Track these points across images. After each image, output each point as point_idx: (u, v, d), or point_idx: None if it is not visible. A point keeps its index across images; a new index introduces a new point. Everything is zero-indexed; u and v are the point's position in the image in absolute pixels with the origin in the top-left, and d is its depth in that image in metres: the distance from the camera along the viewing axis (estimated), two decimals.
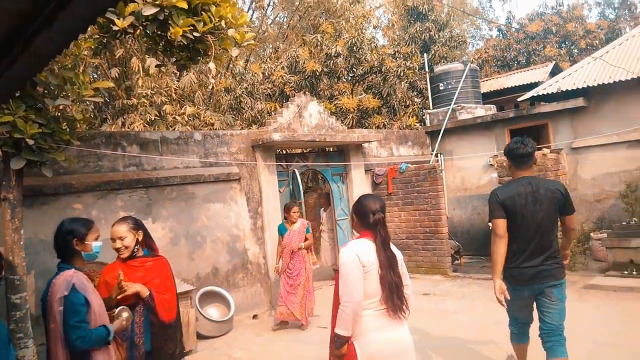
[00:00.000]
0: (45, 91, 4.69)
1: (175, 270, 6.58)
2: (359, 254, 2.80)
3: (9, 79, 1.85)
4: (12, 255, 4.67)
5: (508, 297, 3.71)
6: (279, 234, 6.89)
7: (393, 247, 2.97)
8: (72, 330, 2.59)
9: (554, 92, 9.66)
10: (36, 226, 5.57)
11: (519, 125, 10.17)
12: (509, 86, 14.23)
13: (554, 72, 13.87)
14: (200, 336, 6.31)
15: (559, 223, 3.81)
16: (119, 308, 2.98)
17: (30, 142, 4.42)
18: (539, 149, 9.21)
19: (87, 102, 8.16)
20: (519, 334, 4.09)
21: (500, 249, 3.70)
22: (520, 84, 13.82)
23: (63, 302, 2.62)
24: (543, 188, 3.68)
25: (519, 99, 11.05)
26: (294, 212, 6.65)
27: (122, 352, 3.02)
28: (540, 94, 9.98)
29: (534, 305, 3.89)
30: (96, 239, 2.90)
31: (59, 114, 4.96)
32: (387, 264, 2.82)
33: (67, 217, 3.01)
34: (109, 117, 11.29)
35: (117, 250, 3.23)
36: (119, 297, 3.07)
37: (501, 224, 3.69)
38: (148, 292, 3.15)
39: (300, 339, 6.21)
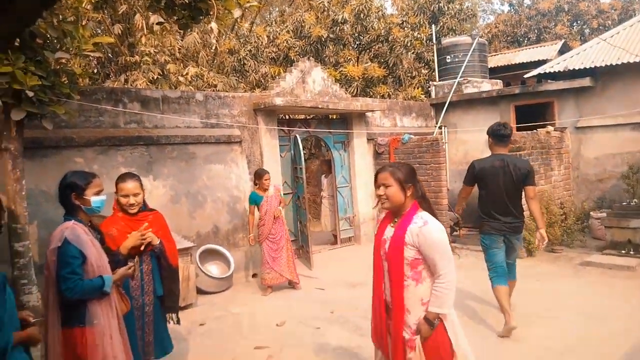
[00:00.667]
0: (45, 43, 4.64)
1: (176, 228, 6.67)
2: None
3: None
4: (14, 205, 4.72)
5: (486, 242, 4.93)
6: (251, 203, 6.60)
7: None
8: (62, 281, 2.61)
9: (561, 70, 9.52)
10: (38, 178, 5.61)
11: (524, 102, 10.07)
12: (517, 62, 14.02)
13: (563, 51, 13.64)
14: (200, 291, 6.43)
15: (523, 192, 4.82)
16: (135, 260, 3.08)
17: (30, 94, 4.41)
18: (544, 126, 9.17)
19: (89, 57, 8.09)
20: (498, 277, 4.89)
21: (461, 201, 5.19)
22: (528, 61, 13.62)
23: (56, 253, 2.64)
24: (512, 164, 4.70)
25: (525, 76, 10.91)
26: (266, 180, 6.52)
27: (125, 303, 3.04)
28: (548, 71, 9.84)
29: (503, 250, 4.91)
30: (97, 194, 2.85)
31: (59, 67, 4.92)
32: None
33: (70, 170, 2.98)
34: (111, 73, 11.19)
35: (130, 205, 3.34)
36: (135, 246, 3.26)
37: (466, 190, 5.05)
38: (159, 241, 3.39)
39: (299, 298, 6.29)
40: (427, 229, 2.60)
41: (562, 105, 9.63)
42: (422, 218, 2.67)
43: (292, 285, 6.72)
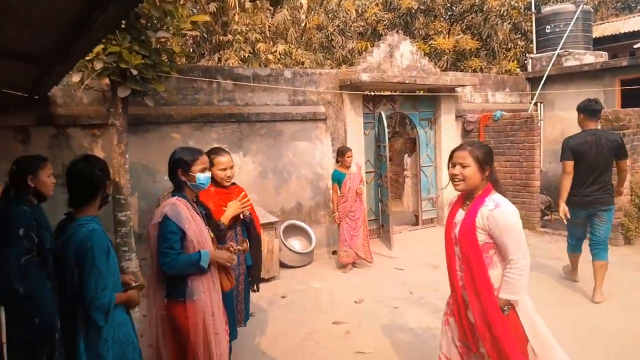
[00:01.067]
0: (148, 23, 4.94)
1: (263, 202, 6.96)
2: None
3: (114, 9, 1.98)
4: (118, 177, 5.15)
5: (569, 216, 5.03)
6: (334, 182, 6.61)
7: None
8: (161, 256, 2.70)
9: None
10: (139, 152, 6.06)
11: (632, 76, 9.15)
12: (625, 31, 12.72)
13: None
14: (282, 265, 6.68)
15: (614, 165, 5.06)
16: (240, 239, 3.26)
17: (134, 72, 4.74)
18: None
19: (186, 36, 8.50)
20: (574, 246, 5.49)
21: (566, 182, 5.05)
22: (639, 30, 12.31)
23: (157, 228, 2.73)
24: (604, 138, 4.97)
25: (635, 46, 9.89)
26: (348, 157, 6.49)
27: (230, 280, 3.07)
28: None
29: (588, 224, 5.17)
30: (203, 171, 2.88)
31: (160, 46, 5.23)
32: None
33: (179, 147, 3.09)
34: (206, 52, 11.68)
35: (228, 178, 3.56)
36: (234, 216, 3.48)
37: (569, 164, 5.06)
38: (249, 212, 3.58)
39: (378, 276, 6.35)
40: (498, 212, 2.51)
41: None
42: (494, 201, 2.57)
43: (366, 263, 6.77)
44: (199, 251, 2.74)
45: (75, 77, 4.91)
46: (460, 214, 2.71)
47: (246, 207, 3.52)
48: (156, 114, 6.17)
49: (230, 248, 3.12)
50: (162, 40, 5.18)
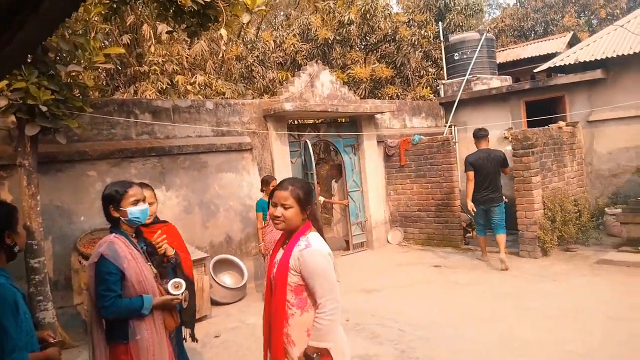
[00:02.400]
0: (57, 57, 4.68)
1: (190, 238, 6.68)
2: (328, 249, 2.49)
3: (19, 43, 1.82)
4: (29, 221, 4.75)
5: (475, 210, 7.29)
6: (258, 210, 6.47)
7: None
8: (98, 298, 2.57)
9: (572, 63, 9.41)
10: (52, 193, 5.64)
11: (535, 97, 9.97)
12: (526, 57, 13.88)
13: (572, 43, 13.48)
14: (214, 302, 6.41)
15: (501, 172, 7.32)
16: (172, 281, 2.85)
17: (44, 108, 4.45)
18: (555, 121, 9.06)
19: (99, 69, 8.14)
20: (481, 231, 7.60)
21: (470, 187, 7.29)
22: (537, 55, 13.47)
23: (93, 268, 2.60)
24: (492, 154, 7.29)
25: (535, 70, 10.80)
26: (273, 186, 6.49)
27: (175, 319, 2.88)
28: (557, 65, 9.73)
29: (487, 215, 7.35)
30: (135, 204, 2.73)
31: (71, 80, 4.96)
32: None
33: (111, 182, 2.91)
34: (121, 85, 11.25)
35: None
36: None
37: (470, 174, 7.26)
38: (173, 251, 3.16)
39: None
40: (307, 252, 2.37)
41: (573, 99, 9.52)
42: (307, 240, 2.44)
43: None
44: (142, 297, 2.62)
45: None
46: (280, 254, 2.54)
47: (161, 248, 3.10)
48: (69, 152, 5.80)
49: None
50: (73, 74, 4.92)
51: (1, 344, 2.04)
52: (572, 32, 15.14)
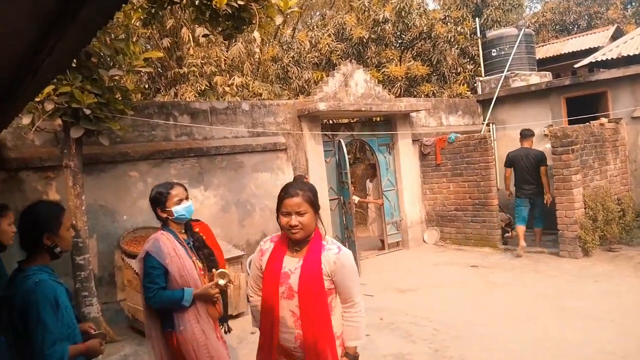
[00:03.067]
0: (100, 62, 4.88)
1: (227, 236, 6.84)
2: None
3: (61, 51, 1.93)
4: (75, 220, 4.98)
5: (513, 194, 8.28)
6: None
7: None
8: (144, 290, 2.83)
9: (614, 57, 9.06)
10: (96, 192, 5.88)
11: (575, 93, 9.66)
12: (566, 52, 13.47)
13: (616, 37, 12.99)
14: (250, 300, 6.52)
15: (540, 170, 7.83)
16: (218, 271, 3.00)
17: (87, 111, 4.65)
18: (597, 117, 8.77)
19: (140, 73, 8.42)
20: (521, 221, 8.06)
21: (506, 181, 8.30)
22: (579, 50, 13.05)
23: (141, 263, 2.87)
24: (531, 152, 7.94)
25: (576, 66, 10.46)
26: None
27: (218, 309, 3.06)
28: (599, 59, 9.40)
29: (528, 208, 8.03)
30: (179, 202, 2.92)
31: (113, 84, 5.15)
32: None
33: (156, 185, 3.08)
34: (161, 87, 11.59)
35: None
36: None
37: (507, 170, 8.25)
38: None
39: None
40: (344, 256, 2.33)
41: (616, 95, 9.17)
42: (333, 243, 2.40)
43: None
44: (183, 289, 2.83)
45: (26, 119, 4.76)
46: (293, 262, 2.38)
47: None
48: (112, 153, 6.03)
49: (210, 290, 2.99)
50: (115, 78, 5.12)
51: (43, 337, 2.16)
52: (615, 25, 14.57)
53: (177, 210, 2.93)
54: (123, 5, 1.57)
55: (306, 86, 12.47)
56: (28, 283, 2.22)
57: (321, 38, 13.07)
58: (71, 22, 1.50)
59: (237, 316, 6.00)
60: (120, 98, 5.26)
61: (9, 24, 1.75)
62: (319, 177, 7.87)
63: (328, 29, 13.40)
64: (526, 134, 8.14)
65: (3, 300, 2.30)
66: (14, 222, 3.10)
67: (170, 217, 2.93)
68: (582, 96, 9.59)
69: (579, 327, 4.77)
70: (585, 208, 7.37)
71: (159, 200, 2.93)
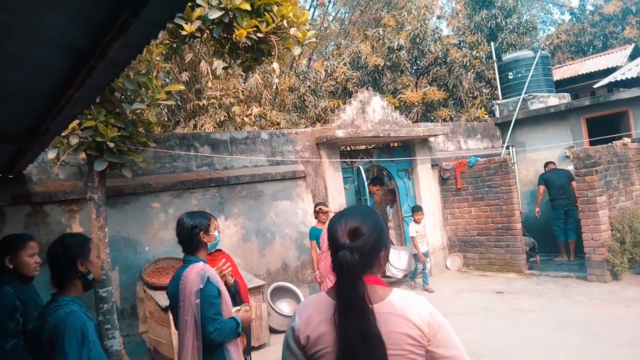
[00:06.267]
0: (122, 96, 4.99)
1: (247, 266, 6.82)
2: (296, 323, 1.62)
3: (89, 87, 1.99)
4: (98, 252, 5.01)
5: (539, 215, 9.28)
6: (312, 239, 6.65)
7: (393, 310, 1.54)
8: (210, 323, 2.65)
9: (634, 76, 8.97)
10: (118, 224, 5.94)
11: (596, 114, 9.55)
12: (584, 72, 13.39)
13: (634, 56, 12.89)
14: (272, 330, 6.45)
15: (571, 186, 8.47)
16: (243, 306, 3.02)
17: (111, 145, 4.73)
18: (619, 138, 8.64)
19: (161, 106, 8.60)
20: (559, 235, 8.96)
21: (538, 197, 9.20)
22: (596, 70, 12.98)
23: (199, 295, 2.68)
24: (561, 171, 8.91)
25: (595, 86, 10.38)
26: (318, 209, 6.62)
27: (243, 341, 3.07)
28: (619, 79, 9.33)
29: (563, 220, 8.78)
30: (216, 229, 3.02)
31: (136, 117, 5.26)
32: (349, 351, 1.47)
33: (183, 213, 3.09)
34: (181, 119, 11.80)
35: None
36: None
37: (541, 187, 9.09)
38: (233, 279, 3.31)
39: None
40: None
41: (638, 114, 9.05)
42: None
43: None
44: (234, 318, 2.77)
45: (51, 154, 4.87)
46: None
47: (226, 273, 3.27)
48: (134, 185, 6.11)
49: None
50: (138, 111, 5.22)
51: None
52: (633, 44, 14.48)
53: (217, 235, 2.99)
54: (151, 40, 1.61)
55: (323, 114, 12.57)
56: (59, 313, 2.22)
57: (337, 67, 13.22)
58: (101, 59, 1.54)
59: (259, 347, 5.93)
60: (143, 131, 5.36)
61: (41, 61, 1.80)
62: (339, 203, 7.84)
63: (343, 58, 13.57)
64: (547, 163, 9.36)
65: (33, 332, 2.29)
66: (37, 254, 3.13)
67: (210, 242, 2.95)
68: (603, 116, 9.48)
69: (613, 355, 4.59)
70: (612, 230, 7.19)
71: (203, 225, 2.92)
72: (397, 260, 7.82)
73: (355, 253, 1.51)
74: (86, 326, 2.24)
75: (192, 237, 2.88)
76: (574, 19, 22.36)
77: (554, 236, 9.18)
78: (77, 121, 4.49)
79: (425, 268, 8.05)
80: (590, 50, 19.32)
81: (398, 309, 1.53)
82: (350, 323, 1.47)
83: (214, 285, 2.72)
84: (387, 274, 7.67)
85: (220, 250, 3.71)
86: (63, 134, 4.45)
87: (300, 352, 1.59)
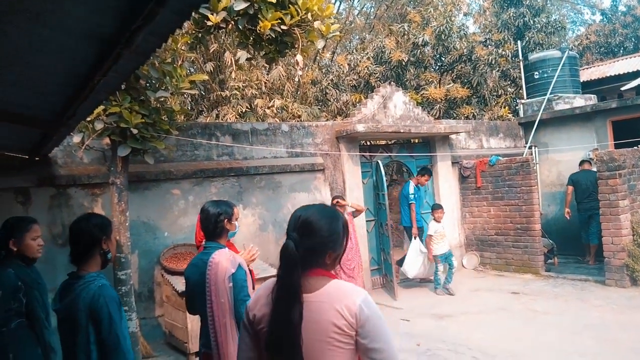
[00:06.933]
0: (147, 84, 5.07)
1: (264, 255, 6.89)
2: (249, 302, 1.83)
3: (115, 74, 2.05)
4: (118, 235, 5.13)
5: (570, 215, 8.92)
6: None
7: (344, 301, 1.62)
8: (242, 305, 2.77)
9: None
10: (139, 209, 6.06)
11: (622, 117, 9.35)
12: (612, 74, 13.09)
13: None
14: None
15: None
16: None
17: (134, 131, 4.82)
18: None
19: (184, 95, 8.71)
20: (583, 238, 8.85)
21: (567, 197, 8.94)
22: (625, 72, 12.67)
23: (232, 279, 2.82)
24: (591, 173, 8.36)
25: (623, 88, 10.15)
26: (335, 203, 6.65)
27: None
28: None
29: (588, 223, 8.60)
30: (237, 218, 3.15)
31: (159, 105, 5.34)
32: (275, 333, 1.62)
33: (207, 201, 3.18)
34: (204, 109, 11.93)
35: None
36: None
37: (569, 189, 8.89)
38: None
39: None
40: None
41: None
42: None
43: None
44: None
45: (76, 138, 4.99)
46: None
47: (254, 258, 3.44)
48: (156, 171, 6.23)
49: None
50: (162, 99, 5.30)
51: (120, 333, 2.27)
52: None
53: (237, 224, 3.12)
54: (176, 29, 1.65)
55: (344, 108, 12.56)
56: (91, 287, 2.31)
57: (360, 61, 13.18)
58: (127, 46, 1.59)
59: None
60: (166, 119, 5.45)
61: (68, 47, 1.87)
62: (356, 197, 7.86)
63: (367, 52, 13.51)
64: (584, 160, 8.95)
65: (65, 309, 2.36)
66: (40, 236, 3.23)
67: (231, 231, 3.06)
68: (630, 119, 9.28)
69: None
70: (633, 235, 7.07)
71: (227, 214, 3.01)
72: (411, 265, 7.77)
73: (300, 246, 1.63)
74: (118, 297, 2.42)
75: (217, 224, 2.98)
76: (605, 19, 21.84)
77: (578, 238, 9.03)
78: (102, 107, 4.58)
79: (451, 267, 7.75)
80: (621, 52, 18.86)
81: (329, 298, 1.62)
82: (279, 307, 1.61)
83: (243, 269, 2.87)
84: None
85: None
86: (88, 119, 4.55)
87: (250, 327, 1.75)
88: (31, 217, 3.45)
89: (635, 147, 7.91)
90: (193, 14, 4.66)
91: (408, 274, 7.86)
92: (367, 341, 1.59)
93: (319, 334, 1.59)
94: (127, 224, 5.26)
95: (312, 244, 1.68)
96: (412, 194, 8.07)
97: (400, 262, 7.98)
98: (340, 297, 1.62)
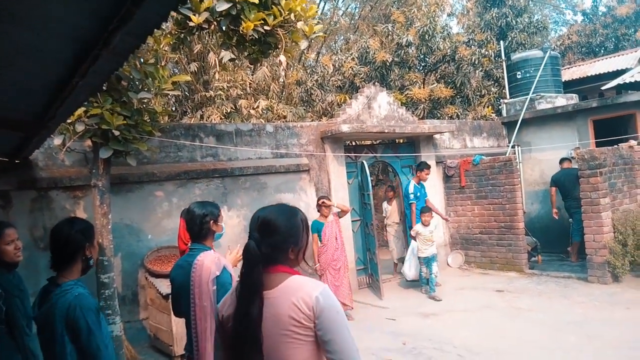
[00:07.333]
0: (129, 85, 5.02)
1: None
2: (220, 303, 1.93)
3: (94, 74, 2.02)
4: (101, 238, 5.06)
5: (557, 217, 9.01)
6: (313, 232, 6.49)
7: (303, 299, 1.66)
8: None
9: None
10: (122, 212, 5.99)
11: (603, 116, 9.50)
12: (593, 74, 13.29)
13: None
14: None
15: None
16: None
17: (116, 133, 4.77)
18: (626, 140, 8.60)
19: (168, 96, 8.64)
20: (572, 235, 8.82)
21: (552, 199, 8.94)
22: (606, 72, 12.86)
23: (216, 281, 2.75)
24: (571, 171, 8.40)
25: (603, 88, 10.32)
26: (319, 204, 6.65)
27: None
28: (628, 81, 9.26)
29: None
30: (222, 220, 3.09)
31: (142, 106, 5.29)
32: (238, 329, 1.69)
33: (193, 202, 3.11)
34: (188, 110, 11.85)
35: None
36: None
37: (552, 190, 8.95)
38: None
39: (369, 328, 6.19)
40: None
41: None
42: None
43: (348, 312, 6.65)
44: None
45: (57, 140, 4.92)
46: None
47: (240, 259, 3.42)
48: (139, 173, 6.16)
49: None
50: (144, 100, 5.25)
51: (98, 343, 2.23)
52: None
53: (224, 226, 3.08)
54: (154, 30, 1.63)
55: (329, 108, 12.57)
56: (68, 297, 2.26)
57: (345, 62, 13.20)
58: (105, 47, 1.57)
59: None
60: (149, 120, 5.39)
61: (47, 49, 1.84)
62: (342, 197, 7.87)
63: (352, 53, 13.54)
64: (563, 159, 9.09)
65: (42, 317, 2.32)
66: (16, 240, 3.17)
67: (217, 232, 3.00)
68: (610, 118, 9.44)
69: (610, 357, 4.61)
70: (614, 232, 7.18)
71: (214, 214, 2.97)
72: (410, 267, 7.80)
73: (262, 245, 1.72)
74: (96, 305, 2.36)
75: (202, 225, 2.92)
76: (586, 20, 22.17)
77: (561, 235, 9.15)
78: (83, 108, 4.52)
79: (431, 272, 7.45)
80: (602, 51, 19.16)
81: (287, 293, 1.68)
82: (240, 305, 1.69)
83: (228, 272, 2.81)
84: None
85: None
86: (69, 120, 4.49)
87: (220, 327, 1.84)
88: (5, 221, 3.38)
89: (616, 146, 8.05)
90: (175, 14, 4.63)
91: (407, 276, 7.85)
92: (321, 333, 1.64)
93: (278, 328, 1.64)
94: (109, 227, 5.19)
95: (274, 241, 1.75)
96: (411, 193, 8.04)
97: (402, 260, 8.08)
98: (298, 290, 1.68)
